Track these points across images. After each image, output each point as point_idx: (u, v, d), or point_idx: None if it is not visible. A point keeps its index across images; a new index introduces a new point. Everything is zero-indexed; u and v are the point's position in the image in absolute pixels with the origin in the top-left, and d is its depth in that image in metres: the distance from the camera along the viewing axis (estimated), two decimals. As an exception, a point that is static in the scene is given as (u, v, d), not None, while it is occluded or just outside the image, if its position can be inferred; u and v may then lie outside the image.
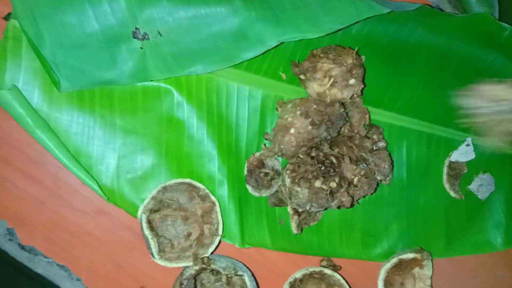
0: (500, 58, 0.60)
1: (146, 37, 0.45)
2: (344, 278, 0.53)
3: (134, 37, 0.45)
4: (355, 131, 0.53)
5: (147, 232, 0.45)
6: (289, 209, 0.52)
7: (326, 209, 0.51)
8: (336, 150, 0.52)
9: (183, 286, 0.45)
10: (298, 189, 0.47)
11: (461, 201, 0.61)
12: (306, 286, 0.54)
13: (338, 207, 0.49)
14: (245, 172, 0.51)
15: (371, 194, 0.53)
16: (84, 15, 0.43)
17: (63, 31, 0.43)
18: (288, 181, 0.49)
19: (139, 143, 0.49)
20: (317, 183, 0.47)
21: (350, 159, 0.50)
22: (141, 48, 0.45)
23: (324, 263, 0.56)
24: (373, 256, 0.58)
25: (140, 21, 0.45)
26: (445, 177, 0.60)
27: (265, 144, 0.52)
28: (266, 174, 0.52)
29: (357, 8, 0.48)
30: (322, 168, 0.48)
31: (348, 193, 0.48)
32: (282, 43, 0.47)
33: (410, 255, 0.55)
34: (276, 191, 0.53)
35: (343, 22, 0.48)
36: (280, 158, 0.53)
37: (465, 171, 0.60)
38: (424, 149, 0.59)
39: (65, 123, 0.47)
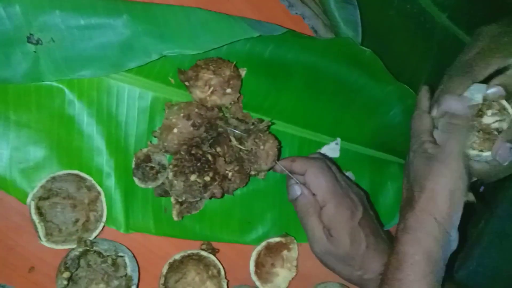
0: (363, 76, 0.71)
1: (40, 42, 0.49)
2: (218, 259, 0.61)
3: (29, 42, 0.49)
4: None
5: (34, 217, 0.50)
6: (172, 199, 0.59)
7: (211, 198, 0.58)
8: (218, 148, 0.59)
9: (67, 265, 0.51)
10: (176, 181, 0.54)
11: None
12: (187, 267, 0.61)
13: (211, 198, 0.57)
14: (133, 166, 0.58)
15: (245, 187, 0.62)
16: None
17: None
18: (170, 174, 0.56)
19: (32, 136, 0.53)
20: (192, 177, 0.54)
21: (226, 156, 0.58)
22: (35, 52, 0.50)
23: (204, 246, 0.63)
24: (249, 241, 0.66)
25: (34, 27, 0.49)
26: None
27: (151, 141, 0.58)
28: (152, 167, 0.58)
29: (232, 30, 0.56)
30: (198, 164, 0.55)
31: (220, 186, 0.56)
32: (165, 56, 0.54)
33: (276, 239, 0.64)
34: (162, 183, 0.59)
35: (219, 42, 0.56)
36: (167, 154, 0.60)
37: None
38: (296, 150, 0.69)
39: (-41, 115, 0.50)
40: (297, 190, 0.60)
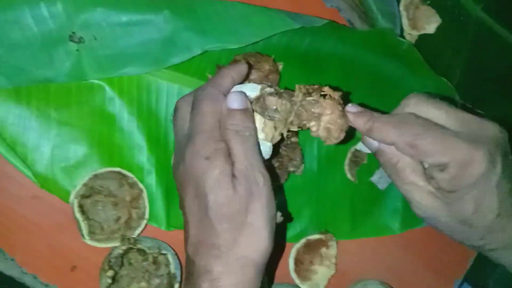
0: (400, 68, 0.69)
1: (82, 40, 0.49)
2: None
3: (71, 40, 0.49)
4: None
5: (78, 215, 0.50)
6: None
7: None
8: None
9: (111, 263, 0.51)
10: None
11: (364, 190, 0.70)
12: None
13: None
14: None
15: (284, 183, 0.61)
16: (24, 18, 0.47)
17: (3, 31, 0.47)
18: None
19: (73, 134, 0.53)
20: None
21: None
22: (77, 50, 0.50)
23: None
24: (287, 238, 0.65)
25: (76, 25, 0.49)
26: (346, 161, 0.68)
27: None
28: (192, 165, 0.58)
29: (273, 23, 0.55)
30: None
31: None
32: (207, 51, 0.53)
33: (316, 236, 0.63)
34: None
35: (260, 35, 0.55)
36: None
37: (365, 162, 0.69)
38: (331, 145, 0.68)
39: (2, 114, 0.51)
40: (372, 141, 0.47)
